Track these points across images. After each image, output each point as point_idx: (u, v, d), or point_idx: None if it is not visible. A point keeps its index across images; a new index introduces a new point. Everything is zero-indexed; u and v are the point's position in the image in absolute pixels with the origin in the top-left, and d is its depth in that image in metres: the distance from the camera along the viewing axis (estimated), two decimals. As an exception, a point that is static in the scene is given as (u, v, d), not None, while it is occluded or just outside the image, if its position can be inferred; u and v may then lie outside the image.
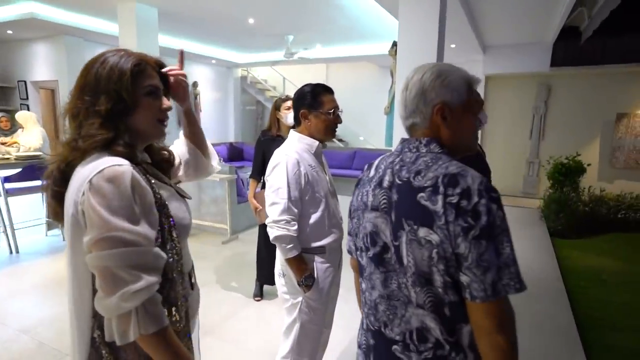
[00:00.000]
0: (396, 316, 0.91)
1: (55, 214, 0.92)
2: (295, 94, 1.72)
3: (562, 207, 5.31)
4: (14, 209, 4.05)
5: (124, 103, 0.91)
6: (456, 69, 0.94)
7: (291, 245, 1.57)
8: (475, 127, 0.96)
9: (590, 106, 6.94)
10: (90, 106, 0.90)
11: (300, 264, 1.60)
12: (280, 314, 2.78)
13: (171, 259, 0.91)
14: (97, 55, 0.94)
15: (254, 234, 3.55)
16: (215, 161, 1.29)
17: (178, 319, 0.92)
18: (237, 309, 3.03)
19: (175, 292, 0.92)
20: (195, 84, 8.42)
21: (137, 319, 0.79)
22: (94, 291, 0.84)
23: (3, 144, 4.48)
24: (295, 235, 1.57)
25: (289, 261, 1.60)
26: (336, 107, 1.67)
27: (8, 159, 4.12)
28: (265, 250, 2.99)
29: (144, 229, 0.82)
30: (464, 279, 0.80)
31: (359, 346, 1.04)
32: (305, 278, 1.60)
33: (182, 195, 1.04)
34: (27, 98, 6.60)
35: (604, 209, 5.60)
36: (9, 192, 3.94)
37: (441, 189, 0.81)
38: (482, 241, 0.77)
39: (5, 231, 3.99)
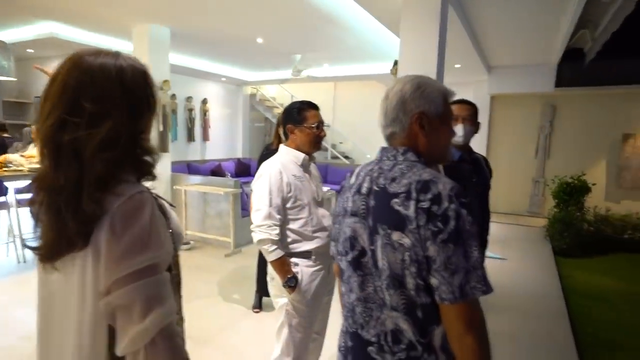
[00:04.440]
0: (372, 318, 0.96)
1: (68, 249, 0.73)
2: (283, 111, 1.83)
3: (566, 226, 5.28)
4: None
5: (153, 112, 0.82)
6: (434, 81, 1.01)
7: (273, 248, 1.68)
8: (450, 139, 1.02)
9: (596, 126, 6.95)
10: (136, 125, 0.78)
11: (283, 266, 1.70)
12: (277, 325, 2.78)
13: (174, 282, 0.84)
14: (108, 62, 0.76)
15: (256, 247, 3.60)
16: None
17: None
18: (236, 320, 3.06)
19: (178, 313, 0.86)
20: (204, 101, 8.62)
21: (146, 351, 0.70)
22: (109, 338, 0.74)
23: (22, 156, 4.64)
24: (276, 238, 1.68)
25: (272, 264, 1.71)
26: (320, 122, 1.80)
27: (22, 170, 4.26)
28: (265, 263, 3.04)
29: (161, 254, 0.75)
30: (433, 281, 0.85)
31: (339, 348, 1.09)
32: (289, 279, 1.69)
33: (171, 205, 0.96)
34: (42, 113, 6.85)
35: (609, 229, 5.56)
36: (20, 203, 4.07)
37: (414, 194, 0.86)
38: (449, 245, 0.82)
39: (14, 241, 4.09)
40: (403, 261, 0.87)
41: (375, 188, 0.95)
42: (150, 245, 0.73)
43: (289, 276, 1.69)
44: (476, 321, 0.83)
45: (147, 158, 0.81)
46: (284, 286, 1.71)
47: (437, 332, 0.89)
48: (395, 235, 0.87)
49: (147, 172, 0.82)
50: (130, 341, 0.70)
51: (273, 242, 1.68)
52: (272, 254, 1.68)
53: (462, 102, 1.92)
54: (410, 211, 0.85)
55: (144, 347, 0.70)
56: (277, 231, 1.69)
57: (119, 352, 0.72)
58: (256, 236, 1.71)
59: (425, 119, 0.96)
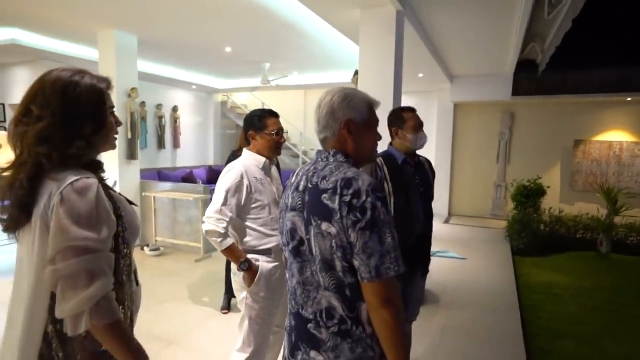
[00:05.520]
0: (309, 298, 1.09)
1: (16, 223, 0.94)
2: (245, 118, 1.96)
3: (524, 227, 5.59)
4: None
5: (100, 123, 1.00)
6: (360, 92, 1.17)
7: (220, 239, 1.80)
8: (375, 142, 1.18)
9: (550, 133, 7.39)
10: (71, 129, 0.94)
11: (234, 253, 1.83)
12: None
13: (122, 264, 1.00)
14: (62, 77, 0.95)
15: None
16: None
17: (123, 316, 1.00)
18: (204, 321, 3.13)
19: (123, 293, 1.00)
20: (175, 108, 8.61)
21: (91, 312, 0.86)
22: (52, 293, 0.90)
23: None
24: (222, 231, 1.80)
25: (224, 252, 1.83)
26: (279, 129, 1.93)
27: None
28: (232, 265, 3.14)
29: (104, 235, 0.91)
30: (355, 263, 1.00)
31: (285, 328, 1.22)
32: (242, 262, 1.81)
33: (130, 202, 1.12)
34: (5, 120, 6.67)
35: (563, 229, 5.92)
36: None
37: (338, 190, 1.01)
38: (366, 232, 0.97)
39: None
40: (331, 247, 1.01)
41: (310, 185, 1.09)
42: (100, 224, 0.91)
43: (241, 260, 1.81)
44: (390, 297, 0.98)
45: (82, 157, 0.98)
46: (238, 270, 1.83)
47: (363, 307, 1.04)
48: (324, 225, 1.02)
49: (89, 169, 0.98)
50: (77, 303, 0.85)
51: (220, 234, 1.79)
52: (221, 244, 1.80)
53: (415, 110, 2.06)
54: (335, 204, 1.00)
55: (89, 308, 0.87)
56: (224, 225, 1.81)
57: (60, 314, 0.87)
58: (205, 226, 1.82)
59: (352, 125, 1.12)
